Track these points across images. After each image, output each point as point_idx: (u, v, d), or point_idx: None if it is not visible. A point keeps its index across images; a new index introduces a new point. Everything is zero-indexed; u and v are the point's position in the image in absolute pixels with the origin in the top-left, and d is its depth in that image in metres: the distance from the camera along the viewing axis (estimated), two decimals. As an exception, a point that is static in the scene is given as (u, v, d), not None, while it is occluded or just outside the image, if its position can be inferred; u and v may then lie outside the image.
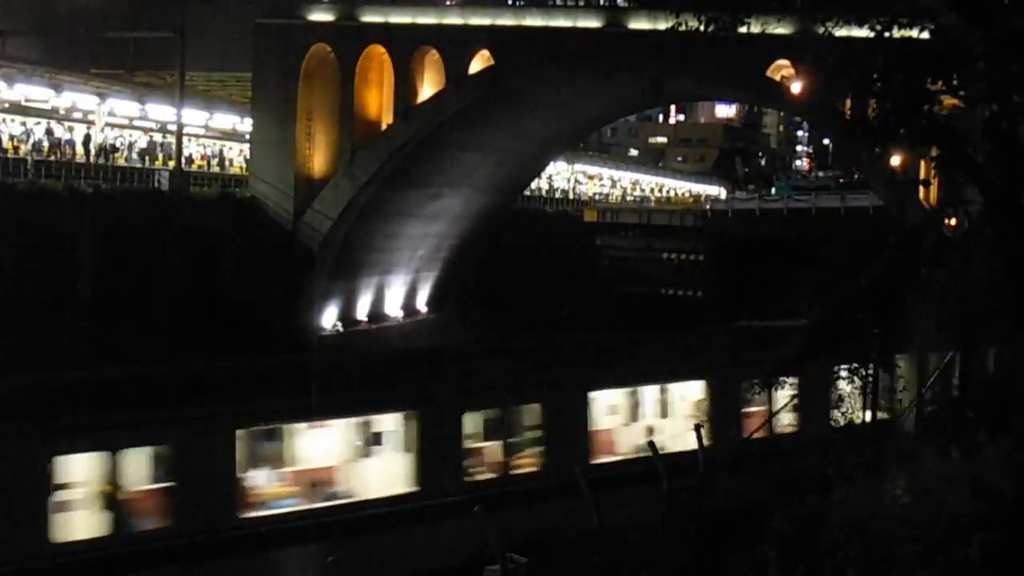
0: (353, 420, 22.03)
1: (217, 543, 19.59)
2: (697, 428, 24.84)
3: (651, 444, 23.55)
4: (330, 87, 55.14)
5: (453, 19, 54.96)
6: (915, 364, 26.28)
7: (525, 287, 70.34)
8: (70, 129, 52.70)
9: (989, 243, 16.24)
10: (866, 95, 14.15)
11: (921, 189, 45.04)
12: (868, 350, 22.28)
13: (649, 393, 27.33)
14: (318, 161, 55.40)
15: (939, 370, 24.97)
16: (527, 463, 24.06)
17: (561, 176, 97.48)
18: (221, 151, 64.37)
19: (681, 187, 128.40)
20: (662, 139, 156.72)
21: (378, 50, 55.01)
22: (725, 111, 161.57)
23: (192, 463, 19.73)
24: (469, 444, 23.28)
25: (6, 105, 49.37)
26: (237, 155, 64.58)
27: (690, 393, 27.91)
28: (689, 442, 25.39)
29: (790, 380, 28.00)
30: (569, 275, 77.75)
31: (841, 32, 15.48)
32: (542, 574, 18.47)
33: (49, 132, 50.93)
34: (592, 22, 53.43)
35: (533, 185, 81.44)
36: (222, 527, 19.75)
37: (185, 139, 55.24)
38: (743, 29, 16.06)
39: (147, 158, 56.90)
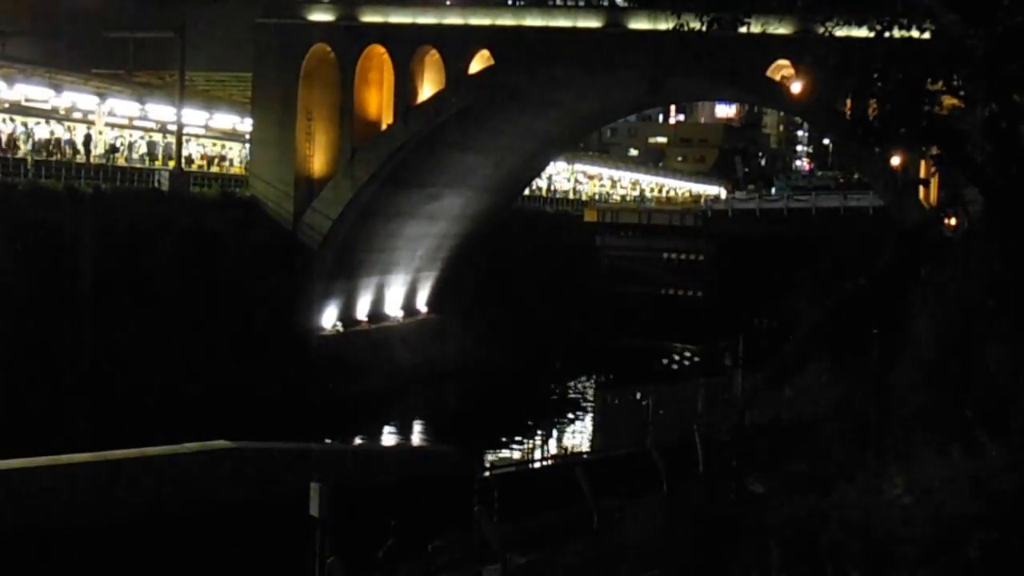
0: None
1: None
2: (696, 429, 24.84)
3: (651, 443, 23.56)
4: (330, 87, 55.15)
5: (453, 19, 54.94)
6: (915, 363, 26.23)
7: (525, 287, 70.40)
8: (70, 129, 52.77)
9: (989, 243, 16.23)
10: (866, 95, 14.15)
11: (921, 189, 45.10)
12: (868, 350, 22.28)
13: None
14: (318, 161, 55.41)
15: (938, 370, 24.93)
16: None
17: (561, 176, 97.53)
18: (221, 151, 64.39)
19: (681, 187, 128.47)
20: (662, 139, 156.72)
21: (378, 50, 55.01)
22: (725, 111, 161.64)
23: None
24: None
25: (6, 105, 49.39)
26: (236, 155, 64.61)
27: None
28: None
29: None
30: (569, 275, 77.84)
31: (841, 32, 15.49)
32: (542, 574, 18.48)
33: (56, 143, 51.06)
34: (592, 22, 53.43)
35: (533, 185, 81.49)
36: None
37: (184, 139, 55.24)
38: (743, 29, 16.09)
39: (147, 158, 57.00)
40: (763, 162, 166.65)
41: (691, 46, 15.99)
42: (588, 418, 53.77)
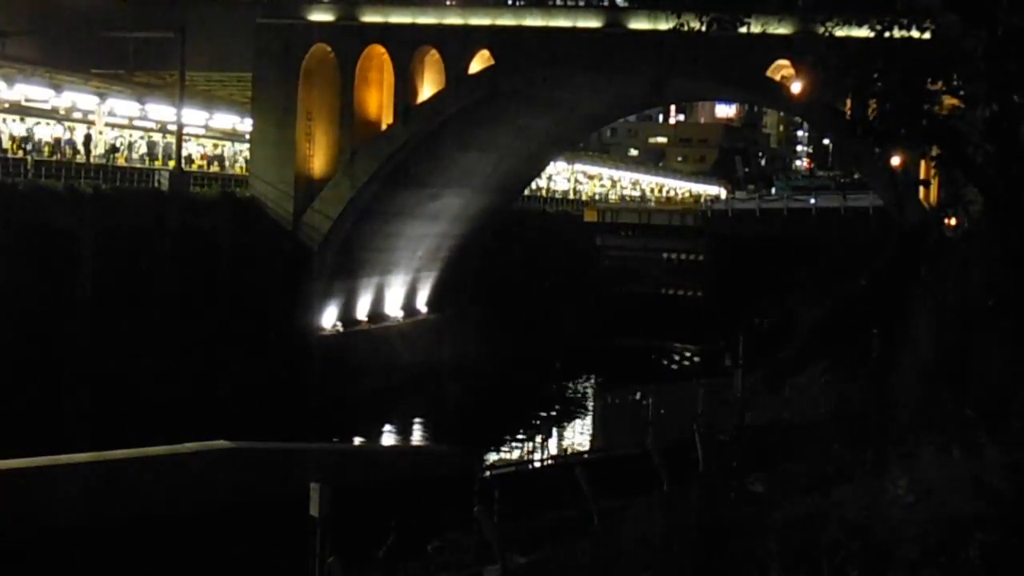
0: None
1: None
2: (696, 429, 24.82)
3: (651, 443, 23.56)
4: (330, 87, 55.14)
5: (453, 19, 54.94)
6: (915, 363, 26.22)
7: (525, 287, 70.39)
8: (70, 129, 52.76)
9: (989, 243, 16.23)
10: (866, 95, 14.15)
11: (921, 189, 45.04)
12: (868, 350, 22.29)
13: None
14: (318, 161, 55.40)
15: (938, 370, 24.93)
16: None
17: (561, 176, 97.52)
18: (222, 151, 64.40)
19: (681, 187, 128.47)
20: (662, 139, 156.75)
21: (378, 50, 55.01)
22: (725, 111, 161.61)
23: None
24: None
25: (6, 105, 49.38)
26: (230, 155, 64.61)
27: None
28: None
29: None
30: (569, 275, 77.82)
31: (841, 32, 15.49)
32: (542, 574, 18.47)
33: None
34: (592, 22, 53.41)
35: (533, 185, 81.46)
36: None
37: (184, 139, 55.22)
38: (743, 29, 16.08)
39: (147, 158, 56.99)
40: (763, 162, 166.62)
41: (691, 46, 16.02)
42: (588, 418, 53.77)
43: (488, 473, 32.99)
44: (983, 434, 10.71)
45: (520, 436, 49.53)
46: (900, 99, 13.65)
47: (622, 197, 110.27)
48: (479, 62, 53.46)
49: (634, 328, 74.96)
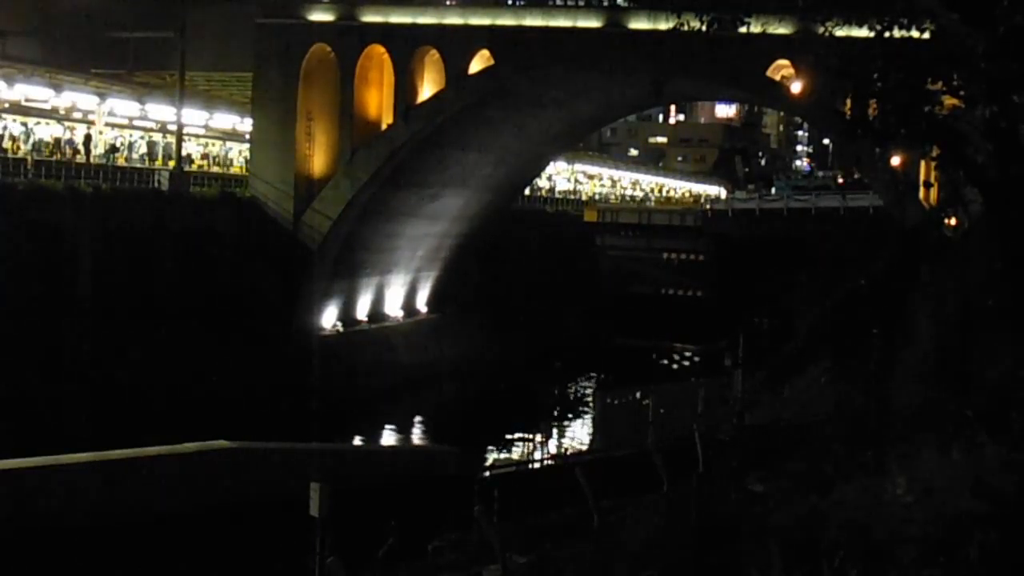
0: None
1: None
2: (696, 429, 24.80)
3: (651, 443, 23.55)
4: (330, 87, 55.15)
5: (453, 19, 54.94)
6: (915, 363, 26.22)
7: (525, 287, 70.38)
8: (71, 129, 52.74)
9: (989, 243, 16.24)
10: (866, 95, 14.15)
11: (921, 189, 45.11)
12: (868, 350, 22.27)
13: None
14: (318, 161, 55.41)
15: (938, 370, 24.92)
16: None
17: (561, 176, 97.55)
18: (220, 151, 64.40)
19: (681, 187, 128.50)
20: (662, 139, 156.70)
21: (378, 50, 55.02)
22: (725, 111, 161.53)
23: None
24: None
25: (6, 105, 49.35)
26: (237, 155, 64.63)
27: None
28: None
29: None
30: (569, 275, 77.82)
31: (841, 32, 15.49)
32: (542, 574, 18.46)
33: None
34: (592, 22, 53.42)
35: (533, 185, 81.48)
36: None
37: (185, 139, 55.20)
38: (743, 29, 16.08)
39: (147, 158, 57.00)
40: (763, 162, 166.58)
41: (691, 46, 16.01)
42: (588, 418, 53.75)
43: (488, 473, 33.01)
44: (983, 434, 10.72)
45: (520, 436, 49.52)
46: (900, 99, 13.66)
47: (622, 197, 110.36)
48: (479, 62, 53.46)
49: (634, 328, 74.98)
